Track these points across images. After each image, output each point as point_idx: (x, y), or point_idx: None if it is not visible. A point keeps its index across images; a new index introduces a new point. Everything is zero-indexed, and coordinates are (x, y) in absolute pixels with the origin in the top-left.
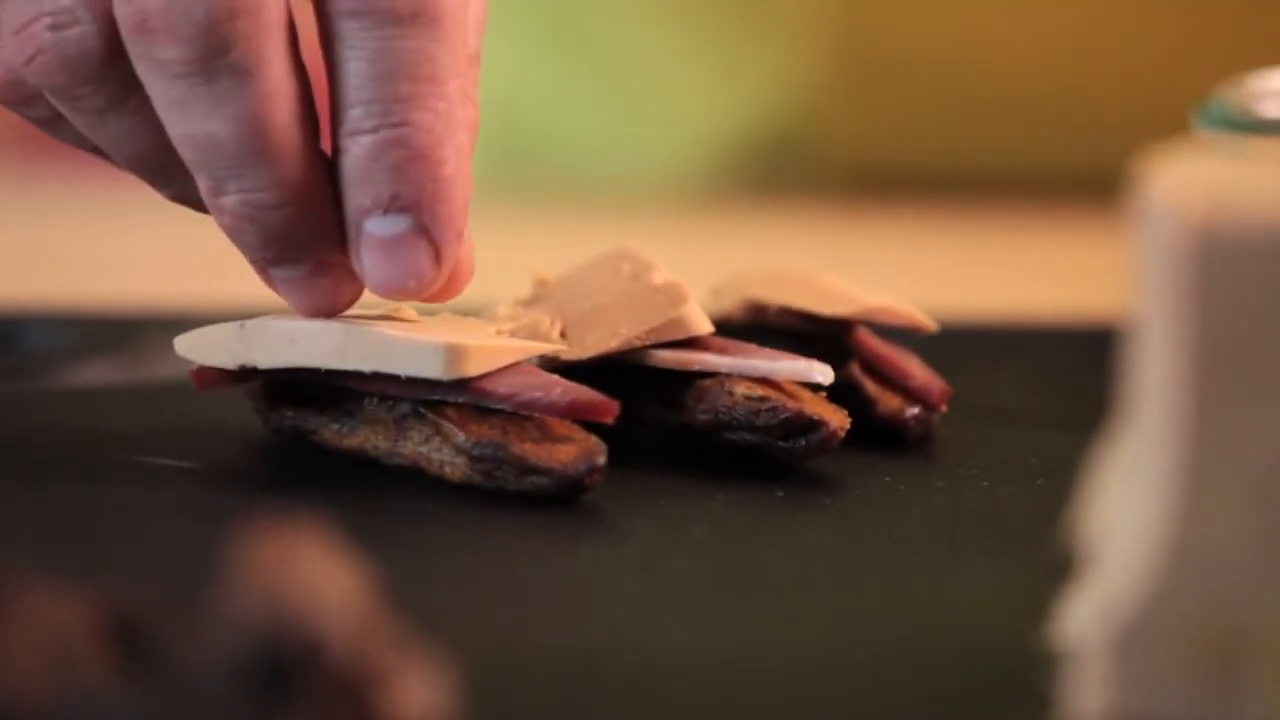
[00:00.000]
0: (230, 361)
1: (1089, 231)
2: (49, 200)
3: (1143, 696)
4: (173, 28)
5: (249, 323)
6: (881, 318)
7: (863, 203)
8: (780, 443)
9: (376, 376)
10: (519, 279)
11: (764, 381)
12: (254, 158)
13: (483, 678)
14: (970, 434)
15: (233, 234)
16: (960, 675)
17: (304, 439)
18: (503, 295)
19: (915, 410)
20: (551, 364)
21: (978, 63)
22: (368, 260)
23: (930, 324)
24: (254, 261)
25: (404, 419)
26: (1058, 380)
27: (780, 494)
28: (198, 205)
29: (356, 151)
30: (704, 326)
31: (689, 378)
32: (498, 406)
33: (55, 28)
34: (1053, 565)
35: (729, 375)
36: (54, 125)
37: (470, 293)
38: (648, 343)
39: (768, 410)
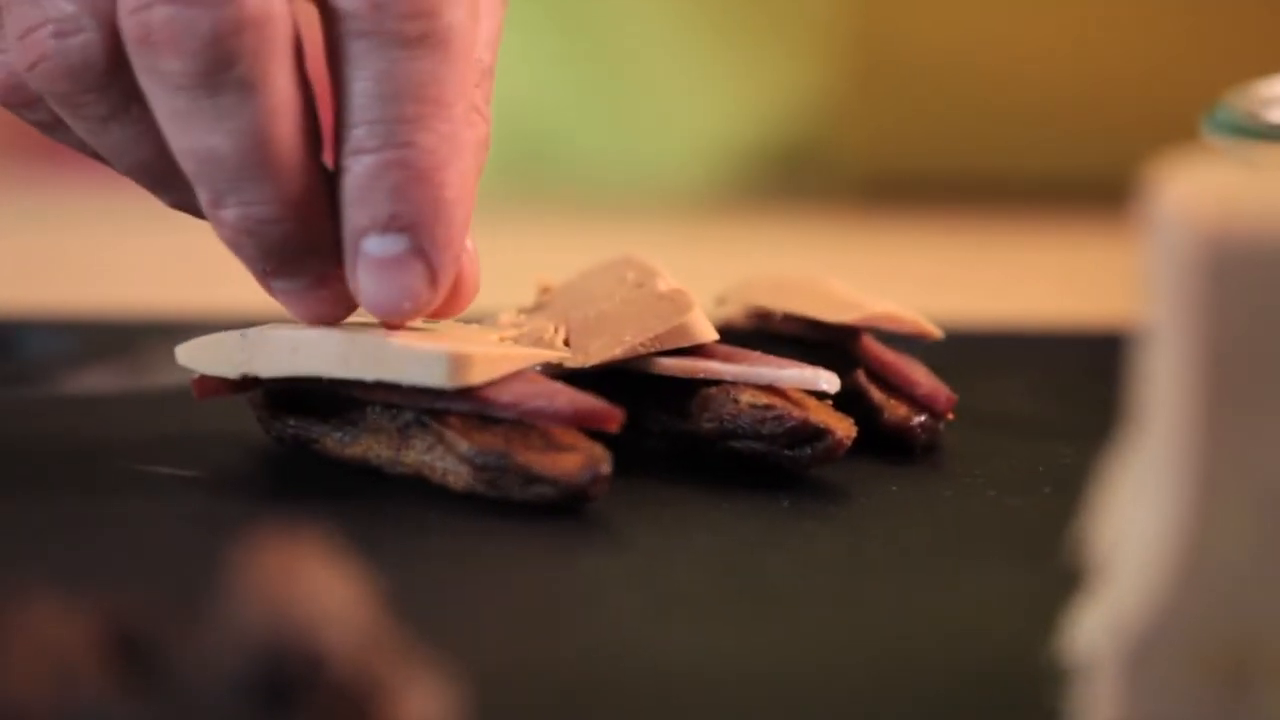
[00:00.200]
0: (232, 371)
1: (1098, 238)
2: (51, 206)
3: (1152, 710)
4: (177, 40)
5: (250, 332)
6: (887, 324)
7: (874, 209)
8: (786, 451)
9: (379, 385)
10: (525, 286)
11: (769, 389)
12: (255, 173)
13: (486, 688)
14: (977, 442)
15: (232, 246)
16: (967, 686)
17: (306, 448)
18: (507, 302)
19: (921, 418)
20: (555, 372)
21: (990, 69)
22: (363, 279)
23: (936, 331)
24: (254, 272)
25: (407, 428)
26: (1065, 388)
27: (786, 503)
28: (198, 213)
29: (358, 170)
30: (708, 334)
31: (694, 385)
32: (501, 415)
33: (59, 35)
34: (1061, 576)
35: (734, 383)
36: (54, 129)
37: (475, 300)
38: (652, 350)
39: (773, 418)
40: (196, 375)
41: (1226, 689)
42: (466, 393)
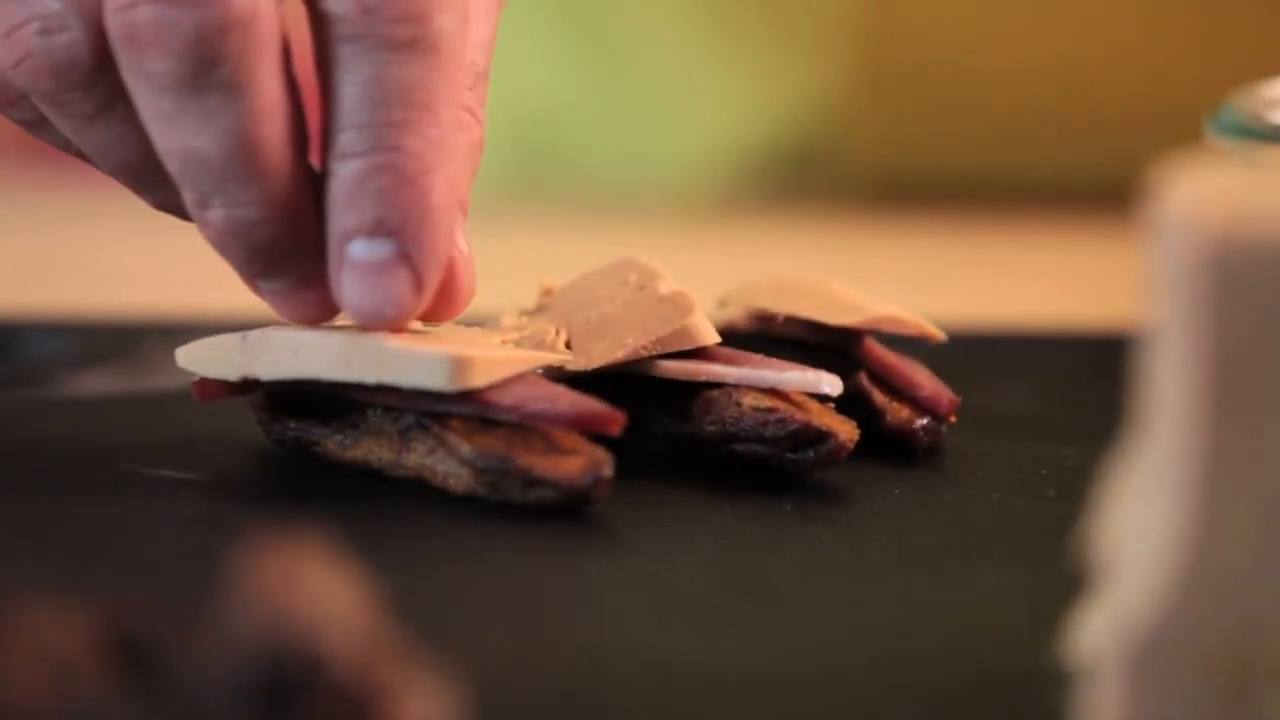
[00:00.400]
0: (232, 373)
1: (1101, 240)
2: (51, 209)
3: (1155, 712)
4: (162, 40)
5: (251, 334)
6: (889, 327)
7: (882, 211)
8: (788, 454)
9: (380, 388)
10: (528, 287)
11: (772, 392)
12: (240, 174)
13: (487, 690)
14: (980, 445)
15: (218, 247)
16: (970, 688)
17: (307, 450)
18: (510, 304)
19: (924, 421)
20: (557, 374)
21: (996, 71)
22: (348, 284)
23: (938, 333)
24: (240, 273)
25: (408, 430)
26: (1069, 390)
27: (788, 506)
28: (184, 214)
29: (345, 174)
30: (710, 336)
31: (696, 388)
32: (503, 418)
33: (44, 33)
34: (1065, 579)
35: (736, 386)
36: (38, 127)
37: (477, 302)
38: (654, 353)
39: (776, 421)
40: (197, 378)
41: (1230, 691)
42: (468, 395)
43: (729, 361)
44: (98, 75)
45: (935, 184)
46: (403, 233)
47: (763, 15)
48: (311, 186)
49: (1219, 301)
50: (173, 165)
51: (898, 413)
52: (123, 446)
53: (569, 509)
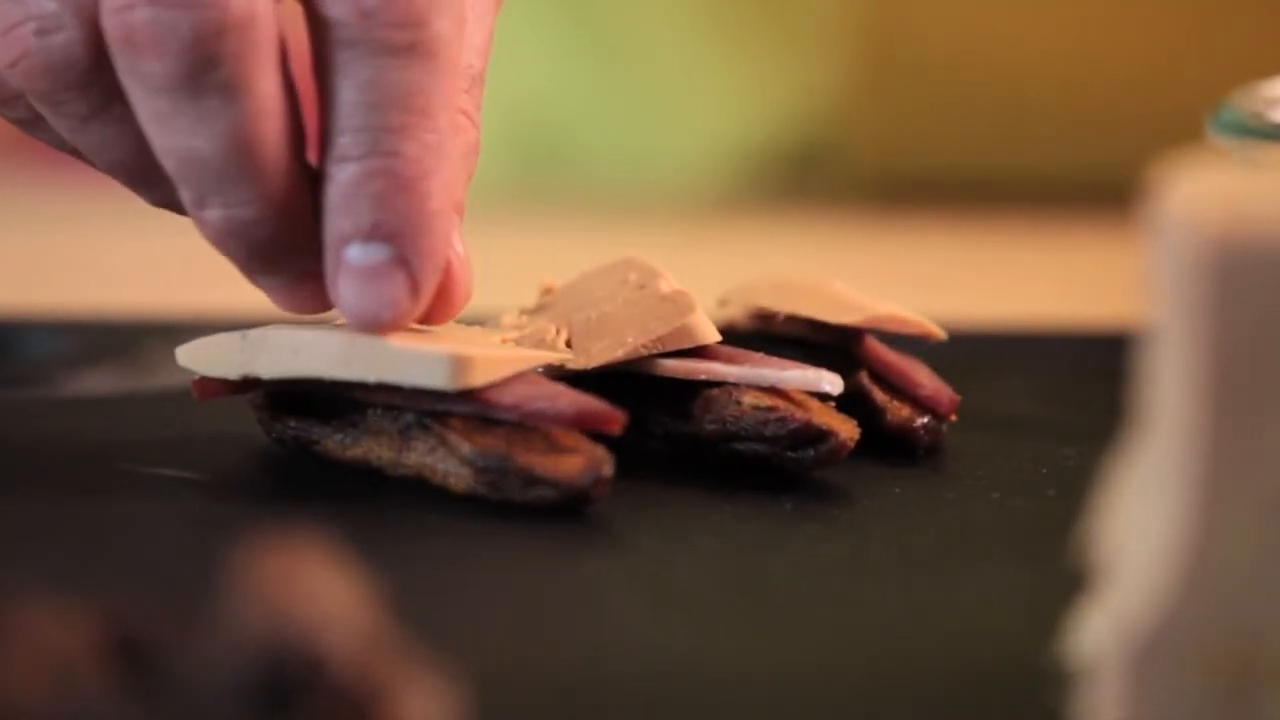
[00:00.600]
0: (232, 372)
1: (1102, 239)
2: (51, 207)
3: (1156, 712)
4: (159, 42)
5: (251, 333)
6: (890, 326)
7: (883, 210)
8: (789, 453)
9: (380, 387)
10: (529, 286)
11: (772, 391)
12: (237, 174)
13: (487, 690)
14: (980, 444)
15: (216, 245)
16: (970, 689)
17: (307, 449)
18: (510, 303)
19: (924, 420)
20: (557, 373)
21: (998, 70)
22: (344, 288)
23: (939, 332)
24: (239, 268)
25: (408, 429)
26: (1069, 390)
27: (789, 505)
28: (182, 211)
29: (342, 178)
30: (711, 335)
31: (696, 387)
32: (503, 417)
33: (40, 33)
34: (1065, 579)
35: (737, 385)
36: (34, 126)
37: (477, 301)
38: (654, 352)
39: (776, 420)
40: (197, 376)
41: (1231, 691)
42: (468, 394)
43: (729, 360)
44: (94, 75)
45: (936, 183)
46: (399, 237)
47: (763, 14)
48: (308, 186)
49: (1219, 301)
50: (170, 165)
51: (898, 411)
52: (122, 445)
53: (569, 508)
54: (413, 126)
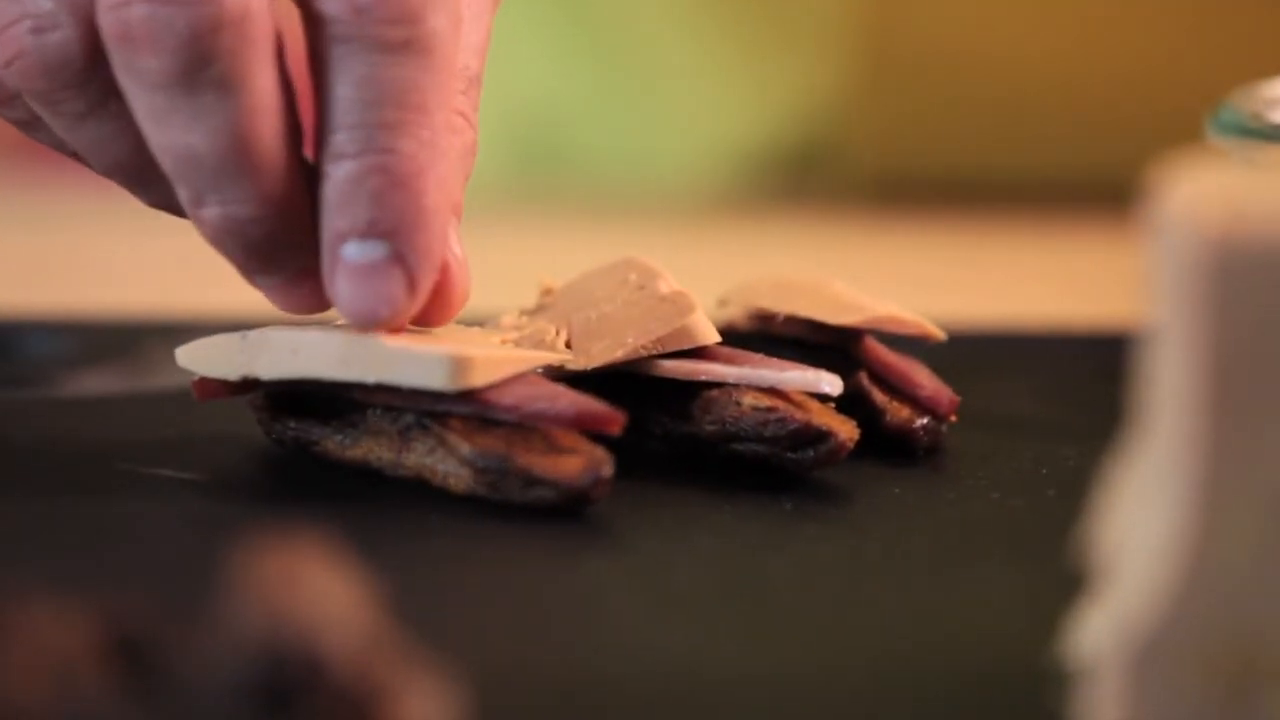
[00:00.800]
0: (232, 373)
1: (1102, 239)
2: (50, 208)
3: (1156, 712)
4: (155, 38)
5: (251, 334)
6: (890, 326)
7: (883, 211)
8: (788, 454)
9: (380, 387)
10: (529, 286)
11: (772, 392)
12: (234, 172)
13: (487, 691)
14: (980, 444)
15: (214, 244)
16: (970, 689)
17: (306, 450)
18: (510, 303)
19: (924, 420)
20: (557, 374)
21: (999, 71)
22: (341, 285)
23: (939, 333)
24: (237, 267)
25: (408, 430)
26: (1069, 390)
27: (788, 505)
28: (179, 212)
29: (338, 176)
30: (710, 336)
31: (696, 388)
32: (502, 418)
33: (36, 31)
34: (1065, 579)
35: (736, 385)
36: (32, 127)
37: (477, 302)
38: (654, 352)
39: (776, 421)
40: (197, 377)
41: (1231, 691)
42: (468, 395)
43: (729, 361)
44: (90, 74)
45: (936, 184)
46: (396, 234)
47: (763, 14)
48: (306, 183)
49: (1218, 301)
50: (166, 163)
51: (898, 412)
52: (122, 446)
53: (569, 508)
54: (408, 123)
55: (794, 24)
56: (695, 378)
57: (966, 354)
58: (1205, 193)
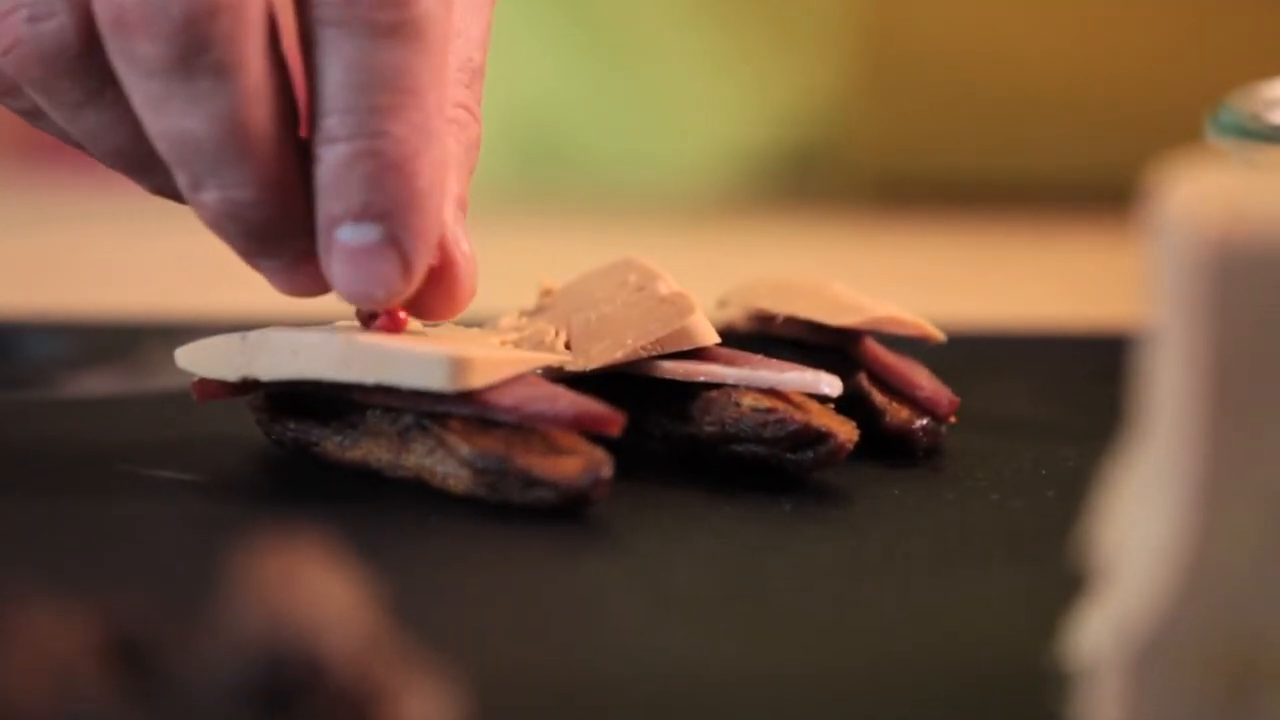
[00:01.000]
0: (232, 374)
1: (1101, 240)
2: (51, 208)
3: (1156, 713)
4: (150, 24)
5: (250, 335)
6: (889, 328)
7: (883, 211)
8: (788, 455)
9: (380, 388)
10: (528, 287)
11: (771, 393)
12: (232, 156)
13: (487, 692)
14: (979, 445)
15: (213, 228)
16: (969, 690)
17: (306, 451)
18: (510, 304)
19: (924, 421)
20: (556, 375)
21: (1000, 72)
22: (337, 268)
23: (938, 334)
24: (236, 251)
25: (407, 431)
26: (1069, 391)
27: (788, 507)
28: (179, 198)
29: (331, 159)
30: (710, 337)
31: (695, 389)
32: (502, 419)
33: (32, 20)
34: (1065, 580)
35: (736, 386)
36: (36, 117)
37: (477, 302)
38: (653, 353)
39: (775, 422)
40: (196, 378)
41: (1231, 692)
42: (467, 396)
43: (728, 362)
44: (86, 61)
45: (936, 185)
46: (390, 217)
47: (763, 15)
48: (303, 165)
49: (1218, 302)
50: (164, 148)
51: (897, 413)
52: (122, 447)
53: (568, 509)
54: (400, 106)
55: (794, 24)
56: (695, 379)
57: (966, 355)
58: (1205, 193)
